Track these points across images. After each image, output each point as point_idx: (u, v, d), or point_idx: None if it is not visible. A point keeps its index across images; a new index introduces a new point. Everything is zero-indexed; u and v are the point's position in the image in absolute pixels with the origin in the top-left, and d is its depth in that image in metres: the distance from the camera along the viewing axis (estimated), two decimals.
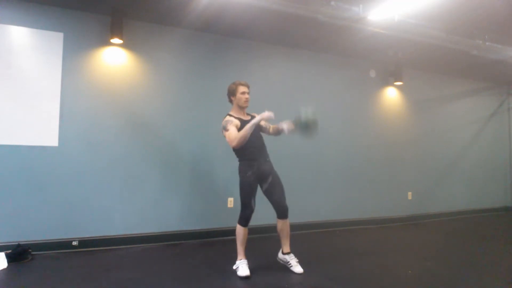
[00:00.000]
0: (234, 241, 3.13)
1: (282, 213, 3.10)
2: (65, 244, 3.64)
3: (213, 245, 4.04)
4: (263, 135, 3.22)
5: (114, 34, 3.77)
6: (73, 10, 3.79)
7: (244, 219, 3.04)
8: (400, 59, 5.32)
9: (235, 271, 3.02)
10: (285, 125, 3.02)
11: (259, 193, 3.11)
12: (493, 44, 4.56)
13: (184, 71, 4.30)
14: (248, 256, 3.09)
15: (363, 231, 4.98)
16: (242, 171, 3.06)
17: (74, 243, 3.67)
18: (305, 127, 2.91)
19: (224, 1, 3.48)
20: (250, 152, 3.04)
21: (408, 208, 5.74)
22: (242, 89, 3.10)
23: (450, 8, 3.66)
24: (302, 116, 2.90)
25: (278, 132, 3.20)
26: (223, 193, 4.39)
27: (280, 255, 3.22)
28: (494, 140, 6.89)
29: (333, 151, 5.16)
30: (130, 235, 3.92)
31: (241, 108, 3.13)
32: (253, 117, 3.06)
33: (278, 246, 3.23)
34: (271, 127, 3.21)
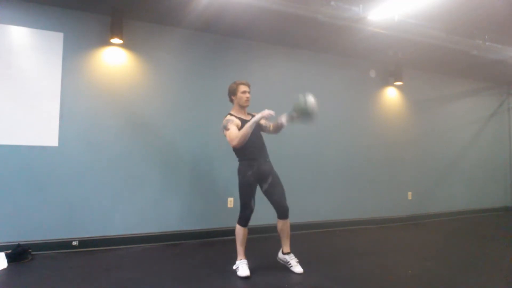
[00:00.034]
0: (234, 241, 3.13)
1: (282, 213, 3.09)
2: (65, 244, 3.64)
3: (213, 245, 4.05)
4: (264, 135, 3.21)
5: (114, 34, 3.77)
6: (73, 10, 3.79)
7: (243, 219, 3.04)
8: (400, 59, 5.32)
9: (235, 271, 3.02)
10: (284, 118, 3.01)
11: (259, 193, 3.11)
12: (493, 44, 4.56)
13: (184, 71, 4.30)
14: (248, 256, 3.09)
15: (363, 231, 4.98)
16: (242, 171, 3.05)
17: (74, 243, 3.67)
18: (304, 112, 2.87)
19: (224, 1, 3.48)
20: (250, 152, 3.04)
21: (408, 208, 5.74)
22: (243, 88, 3.10)
23: (450, 8, 3.66)
24: (300, 102, 2.87)
25: (278, 128, 3.16)
26: (223, 193, 4.39)
27: (280, 255, 3.22)
28: (494, 140, 6.89)
29: (333, 151, 5.16)
30: (130, 235, 3.92)
31: (242, 107, 3.13)
32: (253, 116, 3.05)
33: (278, 246, 3.23)
34: (271, 125, 3.20)
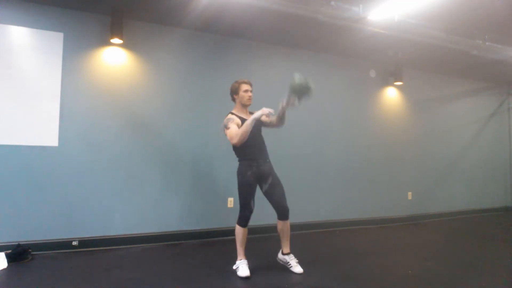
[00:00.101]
0: (234, 241, 3.13)
1: (282, 214, 3.09)
2: (65, 244, 3.64)
3: (213, 245, 4.05)
4: (264, 135, 3.20)
5: (114, 34, 3.77)
6: (73, 10, 3.79)
7: (243, 220, 3.04)
8: (400, 59, 5.32)
9: (235, 271, 3.02)
10: (284, 100, 2.95)
11: (259, 193, 3.11)
12: (493, 44, 4.56)
13: (184, 71, 4.30)
14: (248, 256, 3.09)
15: (363, 231, 4.98)
16: (241, 171, 3.05)
17: (74, 243, 3.67)
18: (300, 90, 2.85)
19: (224, 1, 3.48)
20: (250, 151, 3.04)
21: (408, 208, 5.74)
22: (245, 87, 3.11)
23: (450, 8, 3.66)
24: (295, 80, 2.84)
25: (281, 116, 3.08)
26: (223, 193, 4.39)
27: (280, 255, 3.22)
28: (494, 140, 6.89)
29: (333, 151, 5.16)
30: (130, 235, 3.92)
31: (244, 106, 3.13)
32: None
33: (278, 246, 3.23)
34: (274, 118, 3.13)
